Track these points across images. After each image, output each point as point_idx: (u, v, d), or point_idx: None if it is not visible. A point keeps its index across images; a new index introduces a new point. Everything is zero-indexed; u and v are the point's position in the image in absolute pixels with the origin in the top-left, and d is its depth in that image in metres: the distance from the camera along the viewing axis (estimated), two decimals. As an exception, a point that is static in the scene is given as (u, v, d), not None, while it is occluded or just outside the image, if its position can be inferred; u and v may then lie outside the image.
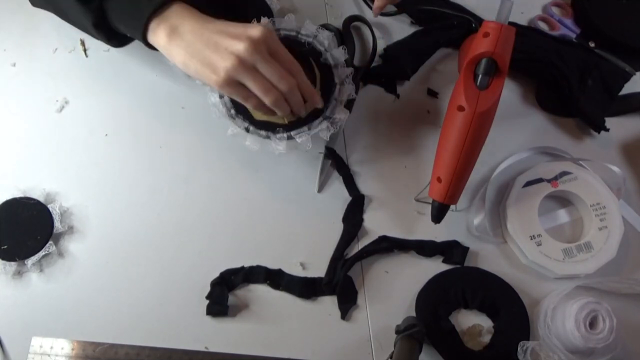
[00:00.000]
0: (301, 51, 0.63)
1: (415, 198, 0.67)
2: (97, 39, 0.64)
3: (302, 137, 0.61)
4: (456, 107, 0.59)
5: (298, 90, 0.56)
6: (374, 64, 0.74)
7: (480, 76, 0.60)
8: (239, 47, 0.53)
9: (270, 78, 0.54)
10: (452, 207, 0.63)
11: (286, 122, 0.61)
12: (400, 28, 0.77)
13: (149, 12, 0.56)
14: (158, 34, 0.57)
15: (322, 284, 0.63)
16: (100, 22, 0.60)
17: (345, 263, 0.64)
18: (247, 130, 0.61)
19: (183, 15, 0.56)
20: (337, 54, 0.64)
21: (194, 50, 0.55)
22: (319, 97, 0.60)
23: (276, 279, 0.63)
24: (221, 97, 0.63)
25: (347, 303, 0.63)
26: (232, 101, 0.63)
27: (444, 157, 0.60)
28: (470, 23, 0.73)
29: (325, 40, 0.64)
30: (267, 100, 0.55)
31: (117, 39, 0.64)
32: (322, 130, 0.62)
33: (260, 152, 0.62)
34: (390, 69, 0.73)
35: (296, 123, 0.61)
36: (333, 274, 0.63)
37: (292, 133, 0.61)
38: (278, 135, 0.61)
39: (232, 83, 0.54)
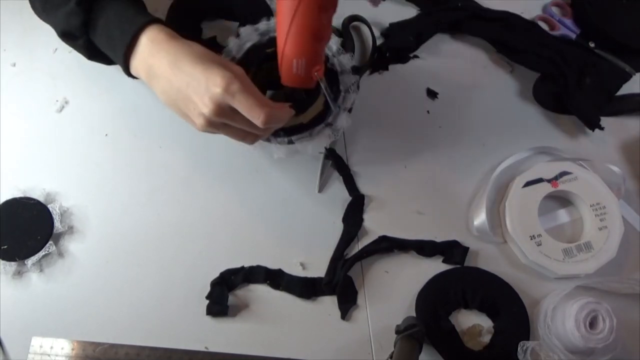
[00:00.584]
0: None
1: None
2: (101, 63, 0.64)
3: (302, 142, 0.61)
4: None
5: (273, 124, 0.54)
6: (377, 44, 0.75)
7: None
8: (204, 110, 0.52)
9: (243, 128, 0.55)
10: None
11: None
12: (400, 28, 0.77)
13: (123, 49, 0.56)
14: (139, 73, 0.57)
15: (322, 284, 0.63)
16: (93, 54, 0.61)
17: (345, 263, 0.64)
18: None
19: (153, 52, 0.55)
20: (344, 61, 0.64)
21: (170, 99, 0.55)
22: (290, 113, 0.57)
23: (276, 279, 0.63)
24: None
25: (347, 303, 0.63)
26: None
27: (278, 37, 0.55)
28: (473, 6, 0.73)
29: (333, 46, 0.64)
30: (247, 143, 0.57)
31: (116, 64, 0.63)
32: (323, 136, 0.61)
33: (261, 152, 0.62)
34: (393, 43, 0.74)
35: (298, 127, 0.61)
36: (333, 274, 0.63)
37: (293, 138, 0.61)
38: (279, 139, 0.61)
39: (210, 131, 0.55)
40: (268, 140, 0.61)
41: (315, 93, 0.62)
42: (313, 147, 0.62)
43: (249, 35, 0.64)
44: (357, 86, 0.64)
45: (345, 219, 0.66)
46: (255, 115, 0.52)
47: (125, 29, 0.56)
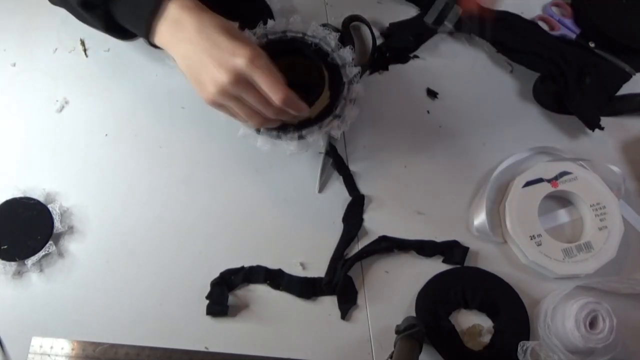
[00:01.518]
0: (309, 52, 0.63)
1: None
2: (115, 38, 0.64)
3: (313, 136, 0.61)
4: None
5: (285, 110, 0.55)
6: (377, 44, 0.75)
7: None
8: (223, 78, 0.52)
9: (254, 106, 0.55)
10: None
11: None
12: (400, 28, 0.77)
13: (147, 15, 0.56)
14: (162, 38, 0.57)
15: (322, 284, 0.63)
16: (110, 25, 0.61)
17: (345, 263, 0.64)
18: (258, 131, 0.61)
19: (182, 17, 0.55)
20: (344, 54, 0.64)
21: (189, 63, 0.55)
22: (307, 108, 0.58)
23: (276, 279, 0.63)
24: None
25: (347, 303, 0.63)
26: None
27: None
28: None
29: (332, 41, 0.64)
30: (252, 124, 0.57)
31: (132, 37, 0.64)
32: (333, 128, 0.62)
33: (261, 152, 0.62)
34: (393, 43, 0.74)
35: (306, 122, 0.61)
36: (333, 274, 0.63)
37: (303, 132, 0.61)
38: (289, 135, 0.61)
39: (217, 104, 0.55)
40: (279, 137, 0.61)
41: (320, 87, 0.62)
42: (324, 139, 0.62)
43: (272, 27, 0.65)
44: (359, 77, 0.64)
45: (345, 219, 0.66)
46: (276, 91, 0.52)
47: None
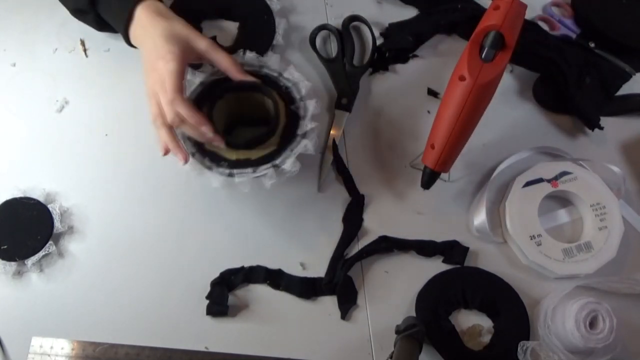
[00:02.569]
0: (277, 94, 0.62)
1: (410, 164, 0.68)
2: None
3: (242, 178, 0.59)
4: (458, 76, 0.59)
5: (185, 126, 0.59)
6: (377, 44, 0.75)
7: (486, 49, 0.59)
8: (151, 109, 0.60)
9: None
10: (444, 176, 0.63)
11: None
12: (400, 28, 0.77)
13: (123, 22, 0.62)
14: (134, 38, 0.63)
15: (322, 284, 0.63)
16: (102, 26, 0.68)
17: (345, 263, 0.64)
18: (193, 155, 0.60)
19: (144, 25, 0.61)
20: (310, 106, 0.62)
21: (144, 71, 0.61)
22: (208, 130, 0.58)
23: (276, 279, 0.63)
24: None
25: (347, 303, 0.63)
26: None
27: (440, 125, 0.60)
28: (473, 8, 0.73)
29: (303, 89, 0.63)
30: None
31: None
32: (266, 176, 0.59)
33: (198, 179, 0.61)
34: (392, 43, 0.74)
35: (244, 162, 0.60)
36: (333, 274, 0.63)
37: (235, 171, 0.59)
38: (220, 170, 0.59)
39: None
40: (210, 168, 0.59)
41: (270, 132, 0.61)
42: (252, 185, 0.59)
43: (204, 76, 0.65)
44: (315, 133, 0.62)
45: (345, 219, 0.66)
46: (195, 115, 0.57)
47: (123, 4, 0.61)
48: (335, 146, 0.69)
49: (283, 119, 0.62)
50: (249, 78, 0.61)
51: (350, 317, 0.63)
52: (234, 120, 0.59)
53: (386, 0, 0.79)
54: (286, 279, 0.64)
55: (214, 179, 0.59)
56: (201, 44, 0.60)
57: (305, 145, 0.60)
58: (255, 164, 0.60)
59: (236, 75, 0.60)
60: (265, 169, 0.59)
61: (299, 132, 0.61)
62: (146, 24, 0.60)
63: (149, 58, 0.59)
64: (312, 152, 0.61)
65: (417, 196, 0.68)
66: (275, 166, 0.59)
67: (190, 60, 0.60)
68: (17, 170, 0.68)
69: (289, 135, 0.61)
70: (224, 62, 0.60)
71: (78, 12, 0.68)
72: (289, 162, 0.59)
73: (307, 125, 0.61)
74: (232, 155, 0.60)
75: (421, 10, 0.78)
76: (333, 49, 0.75)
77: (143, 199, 0.67)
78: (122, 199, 0.67)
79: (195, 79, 0.64)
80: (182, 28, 0.60)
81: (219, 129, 0.59)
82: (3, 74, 0.73)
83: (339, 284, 0.63)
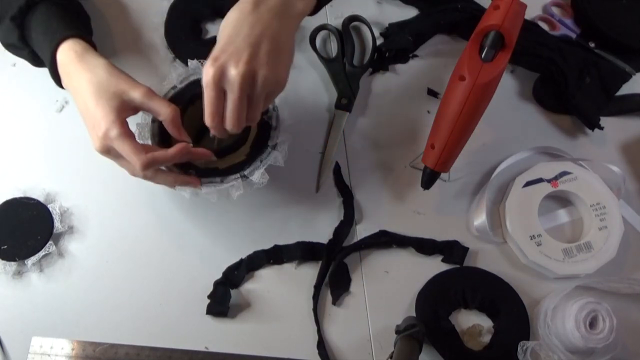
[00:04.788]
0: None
1: (410, 164, 0.68)
2: None
3: (209, 188, 0.58)
4: (458, 76, 0.59)
5: (157, 165, 0.54)
6: (377, 44, 0.75)
7: (485, 49, 0.59)
8: (95, 144, 0.54)
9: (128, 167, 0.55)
10: (444, 176, 0.63)
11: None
12: (400, 28, 0.77)
13: (50, 65, 0.58)
14: (63, 82, 0.59)
15: (320, 251, 0.64)
16: (38, 63, 0.64)
17: (343, 250, 0.64)
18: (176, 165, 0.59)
19: (66, 72, 0.57)
20: (285, 115, 0.62)
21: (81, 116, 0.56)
22: (174, 159, 0.55)
23: (277, 254, 0.64)
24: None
25: (339, 289, 0.63)
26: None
27: (440, 125, 0.60)
28: (473, 8, 0.73)
29: (276, 99, 0.61)
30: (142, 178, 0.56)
31: None
32: (233, 188, 0.58)
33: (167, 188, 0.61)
34: (391, 43, 0.74)
35: (212, 171, 0.59)
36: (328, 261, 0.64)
37: (202, 180, 0.58)
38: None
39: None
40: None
41: (241, 141, 0.60)
42: (219, 195, 0.59)
43: (194, 69, 0.63)
44: (286, 146, 0.61)
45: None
46: (135, 159, 0.52)
47: (45, 47, 0.58)
48: (338, 169, 0.68)
49: (254, 128, 0.62)
50: (185, 137, 0.56)
51: (350, 317, 0.62)
52: (204, 127, 0.59)
53: (386, 0, 0.79)
54: (285, 250, 0.64)
55: (180, 187, 0.58)
56: (135, 94, 0.53)
57: (275, 157, 0.60)
58: (223, 173, 0.59)
59: (172, 130, 0.55)
60: (233, 180, 0.58)
61: (270, 143, 0.61)
62: (70, 72, 0.56)
63: (85, 121, 0.55)
64: (282, 165, 0.60)
65: (417, 196, 0.68)
66: (244, 177, 0.59)
67: (129, 114, 0.55)
68: (17, 170, 0.68)
69: (260, 146, 0.61)
70: (162, 113, 0.54)
71: (11, 48, 0.63)
72: (257, 174, 0.59)
73: (278, 136, 0.61)
74: (201, 163, 0.60)
75: (421, 10, 0.78)
76: (333, 49, 0.75)
77: (143, 198, 0.67)
78: (122, 198, 0.67)
79: (171, 79, 0.63)
80: (108, 78, 0.54)
81: (190, 135, 0.57)
82: (3, 74, 0.73)
83: (334, 270, 0.63)
